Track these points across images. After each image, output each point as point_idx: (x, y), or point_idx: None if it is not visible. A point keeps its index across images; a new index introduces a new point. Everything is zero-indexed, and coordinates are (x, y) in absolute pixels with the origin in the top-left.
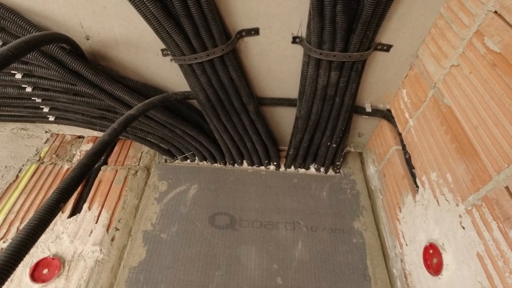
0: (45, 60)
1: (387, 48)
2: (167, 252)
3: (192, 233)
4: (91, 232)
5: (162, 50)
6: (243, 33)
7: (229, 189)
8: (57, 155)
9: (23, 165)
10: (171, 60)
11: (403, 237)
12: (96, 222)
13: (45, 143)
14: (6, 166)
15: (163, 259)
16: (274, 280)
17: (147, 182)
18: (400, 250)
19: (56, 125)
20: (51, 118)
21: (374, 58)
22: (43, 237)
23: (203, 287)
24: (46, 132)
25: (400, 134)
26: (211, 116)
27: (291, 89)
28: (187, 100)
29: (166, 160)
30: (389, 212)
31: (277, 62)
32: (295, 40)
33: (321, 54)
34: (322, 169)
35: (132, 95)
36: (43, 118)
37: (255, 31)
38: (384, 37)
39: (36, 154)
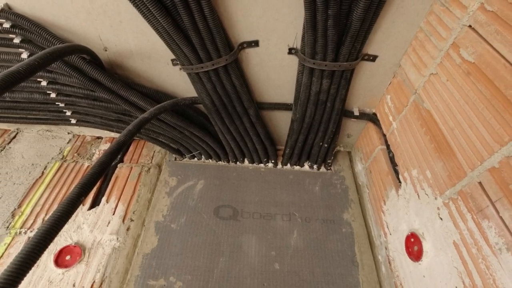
0: (67, 69)
1: (373, 58)
2: (177, 241)
3: (199, 223)
4: (109, 222)
5: (172, 60)
6: (245, 45)
7: (232, 184)
8: (78, 154)
9: (48, 162)
10: (180, 69)
11: (387, 227)
12: (113, 214)
13: (67, 143)
14: (33, 164)
15: (173, 247)
16: (272, 266)
17: (158, 178)
18: (385, 239)
19: (77, 127)
20: (73, 121)
21: (361, 67)
22: (66, 227)
23: (208, 271)
24: (68, 133)
25: (384, 135)
26: (216, 119)
27: (288, 95)
28: (195, 105)
29: (175, 158)
30: (375, 204)
31: (275, 71)
32: (291, 51)
33: (314, 63)
34: (315, 166)
35: (145, 100)
36: (65, 121)
37: (255, 43)
38: (370, 49)
39: (59, 153)
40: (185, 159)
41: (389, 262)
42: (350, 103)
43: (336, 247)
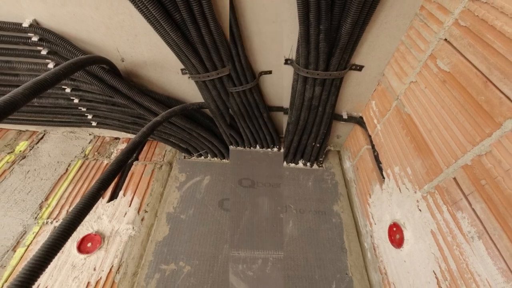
0: (89, 78)
1: (359, 68)
2: (186, 230)
3: (205, 214)
4: (125, 213)
5: (182, 69)
6: None
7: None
8: (98, 153)
9: (71, 160)
10: (189, 77)
11: (372, 218)
12: (129, 206)
13: (89, 143)
14: (58, 162)
15: (182, 235)
16: None
17: (169, 174)
18: (370, 228)
19: (98, 129)
20: (94, 123)
21: (349, 76)
22: (87, 217)
23: (214, 257)
24: (89, 134)
25: (370, 136)
26: (220, 121)
27: (284, 100)
28: (202, 109)
29: (184, 157)
30: (361, 198)
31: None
32: (286, 61)
33: (307, 72)
34: (308, 164)
35: (158, 105)
36: (87, 123)
37: None
38: (357, 59)
39: (82, 152)
40: (193, 157)
41: (374, 249)
42: (339, 107)
43: (327, 235)
